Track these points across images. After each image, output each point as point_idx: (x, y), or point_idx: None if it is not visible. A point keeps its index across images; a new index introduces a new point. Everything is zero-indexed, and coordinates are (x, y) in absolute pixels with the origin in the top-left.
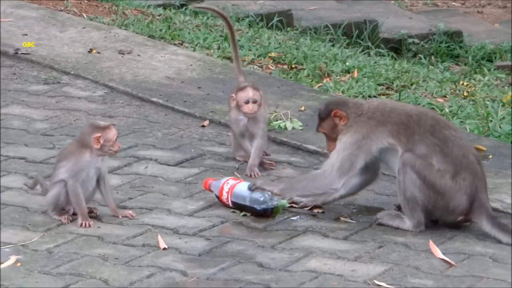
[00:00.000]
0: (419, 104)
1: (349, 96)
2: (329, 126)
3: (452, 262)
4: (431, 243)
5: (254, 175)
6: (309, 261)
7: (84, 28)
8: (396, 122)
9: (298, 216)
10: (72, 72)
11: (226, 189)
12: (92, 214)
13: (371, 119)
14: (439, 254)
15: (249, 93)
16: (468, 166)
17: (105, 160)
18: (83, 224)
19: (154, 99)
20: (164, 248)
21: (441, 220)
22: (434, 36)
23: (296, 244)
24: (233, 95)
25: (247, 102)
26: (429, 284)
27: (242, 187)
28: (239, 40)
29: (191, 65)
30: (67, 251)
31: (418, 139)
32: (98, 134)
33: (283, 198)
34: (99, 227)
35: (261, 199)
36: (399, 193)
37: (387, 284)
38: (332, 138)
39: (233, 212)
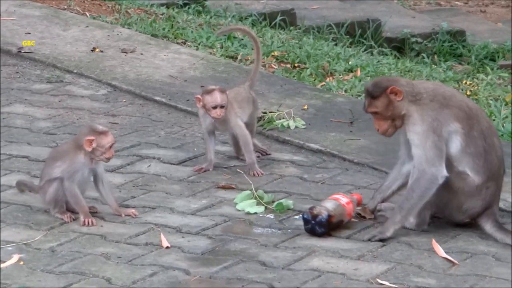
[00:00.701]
0: None
1: (352, 96)
2: (383, 104)
3: (455, 261)
4: (434, 242)
5: (257, 174)
6: (311, 260)
7: (87, 26)
8: (459, 107)
9: (301, 215)
10: (75, 71)
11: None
12: (93, 211)
13: (434, 101)
14: (442, 253)
15: (217, 99)
16: (497, 178)
17: (101, 163)
18: (86, 222)
19: (157, 98)
20: (167, 247)
21: (448, 218)
22: (437, 35)
23: (299, 243)
24: (199, 96)
25: (214, 107)
26: (432, 283)
27: None
28: (242, 39)
29: (194, 64)
30: (70, 249)
31: (474, 136)
32: (92, 138)
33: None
34: (102, 226)
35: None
36: None
37: (390, 283)
38: (384, 116)
39: (237, 211)
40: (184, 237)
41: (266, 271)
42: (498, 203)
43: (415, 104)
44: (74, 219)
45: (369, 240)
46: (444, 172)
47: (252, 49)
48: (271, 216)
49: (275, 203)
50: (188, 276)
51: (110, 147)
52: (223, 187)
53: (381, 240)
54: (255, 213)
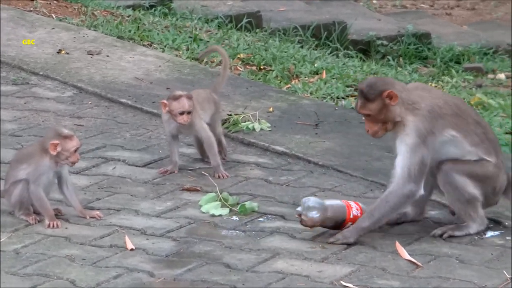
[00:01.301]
0: None
1: (317, 98)
2: (377, 107)
3: (419, 263)
4: (397, 244)
5: (222, 176)
6: (276, 262)
7: (53, 28)
8: (452, 114)
9: (265, 217)
10: (41, 73)
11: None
12: (59, 215)
13: (431, 113)
14: (406, 255)
15: (185, 105)
16: (499, 147)
17: (65, 166)
18: (51, 225)
19: (123, 100)
20: (132, 249)
21: (484, 205)
22: (402, 38)
23: (263, 245)
24: (165, 101)
25: (181, 114)
26: (396, 285)
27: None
28: (208, 41)
29: (160, 66)
30: (35, 251)
31: (471, 128)
32: (56, 142)
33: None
34: (66, 228)
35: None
36: (453, 201)
37: (354, 285)
38: (376, 119)
39: (202, 213)
40: (148, 239)
41: (230, 273)
42: None
43: (412, 114)
44: (39, 221)
45: (332, 243)
46: (421, 191)
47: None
48: (236, 218)
49: (239, 206)
50: (153, 278)
51: (75, 151)
52: (188, 189)
53: (344, 244)
54: (220, 215)
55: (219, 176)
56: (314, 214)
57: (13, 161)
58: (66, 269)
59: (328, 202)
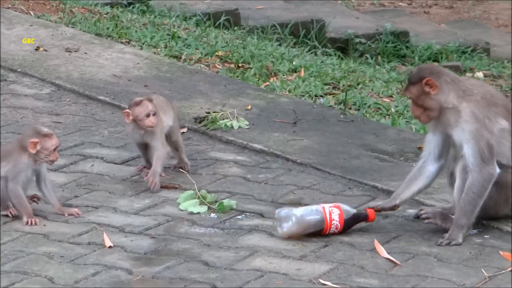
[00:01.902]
0: (365, 103)
1: (296, 96)
2: (417, 92)
3: (397, 262)
4: (376, 242)
5: (153, 185)
6: (254, 260)
7: (31, 25)
8: (503, 105)
9: (244, 215)
10: (19, 70)
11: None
12: (36, 199)
13: (484, 99)
14: (384, 254)
15: (148, 106)
16: None
17: (44, 164)
18: (29, 222)
19: (101, 97)
20: (110, 247)
21: (492, 216)
22: (380, 36)
23: (242, 243)
24: (128, 111)
25: (148, 116)
26: (374, 283)
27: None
28: (186, 39)
29: (138, 63)
30: (13, 249)
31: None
32: (36, 140)
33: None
34: (44, 225)
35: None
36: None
37: (332, 283)
38: (417, 104)
39: (180, 210)
40: (127, 236)
41: (208, 271)
42: None
43: (465, 100)
44: (17, 215)
45: (439, 244)
46: (497, 170)
47: (197, 48)
48: (214, 216)
49: (217, 203)
50: (131, 276)
51: (55, 149)
52: (166, 187)
53: (455, 245)
54: (198, 213)
55: (151, 182)
56: (289, 225)
57: None
58: (44, 267)
59: (301, 209)
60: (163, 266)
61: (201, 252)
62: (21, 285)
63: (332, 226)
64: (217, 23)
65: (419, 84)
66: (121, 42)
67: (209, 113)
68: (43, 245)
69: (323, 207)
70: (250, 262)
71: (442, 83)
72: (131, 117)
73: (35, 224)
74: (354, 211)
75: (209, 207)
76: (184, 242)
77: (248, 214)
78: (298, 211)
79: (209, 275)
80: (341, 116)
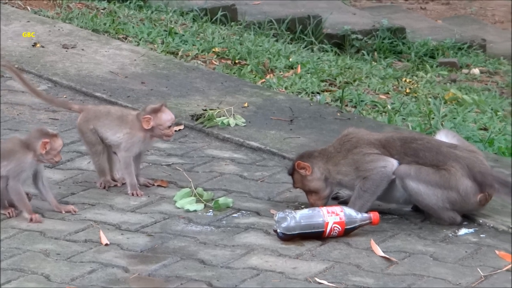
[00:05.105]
0: (362, 100)
1: (292, 93)
2: (297, 180)
3: (394, 259)
4: (372, 241)
5: (137, 195)
6: (250, 258)
7: (28, 21)
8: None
9: (240, 213)
10: (16, 66)
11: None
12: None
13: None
14: (380, 252)
15: (172, 115)
16: (446, 157)
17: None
18: (33, 219)
19: (98, 94)
20: (106, 244)
21: (469, 211)
22: (377, 32)
23: (238, 241)
24: (149, 116)
25: (170, 126)
26: (370, 282)
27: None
28: (183, 35)
29: (135, 60)
30: (9, 246)
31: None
32: (47, 140)
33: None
34: (41, 222)
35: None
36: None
37: (328, 282)
38: (308, 192)
39: (177, 208)
40: (123, 234)
41: (205, 269)
42: (482, 166)
43: (331, 164)
44: (17, 215)
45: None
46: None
47: (193, 44)
48: (210, 214)
49: (213, 201)
50: (127, 274)
51: (60, 150)
52: (161, 184)
53: None
54: (195, 210)
55: (132, 194)
56: (286, 226)
57: None
58: (40, 264)
59: (300, 212)
60: (159, 264)
61: (198, 250)
62: (17, 283)
63: (332, 232)
64: (214, 18)
65: (295, 171)
66: (118, 38)
67: (205, 110)
68: (39, 242)
69: (324, 215)
70: (247, 261)
71: (312, 162)
72: (151, 124)
73: (39, 221)
74: (357, 216)
75: (205, 205)
76: (181, 240)
77: (244, 212)
78: (297, 214)
79: (205, 273)
80: (338, 114)
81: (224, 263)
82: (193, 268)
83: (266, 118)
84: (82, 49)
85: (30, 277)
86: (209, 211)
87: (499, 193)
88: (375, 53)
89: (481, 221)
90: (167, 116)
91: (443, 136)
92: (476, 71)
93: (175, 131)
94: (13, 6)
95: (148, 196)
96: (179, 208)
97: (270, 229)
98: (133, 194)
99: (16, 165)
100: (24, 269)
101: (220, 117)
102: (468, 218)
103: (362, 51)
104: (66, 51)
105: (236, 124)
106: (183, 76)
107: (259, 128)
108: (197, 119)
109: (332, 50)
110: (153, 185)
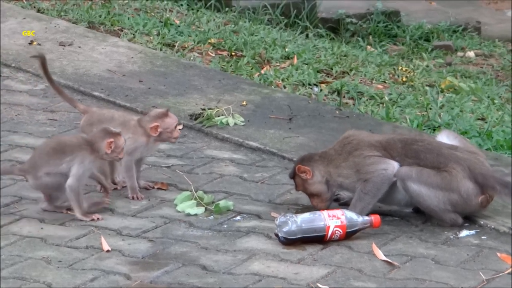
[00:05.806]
0: (359, 91)
1: (289, 85)
2: (299, 183)
3: (396, 263)
4: (373, 245)
5: (138, 198)
6: (252, 264)
7: (24, 18)
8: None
9: (241, 216)
10: (13, 65)
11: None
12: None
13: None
14: (382, 256)
15: (176, 118)
16: (447, 159)
17: None
18: (95, 218)
19: (96, 93)
20: (108, 250)
21: (470, 212)
22: (372, 16)
23: (239, 246)
24: (157, 123)
25: (176, 126)
26: (372, 286)
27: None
28: (178, 26)
29: (132, 57)
30: (10, 253)
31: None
32: (111, 140)
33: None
34: (42, 228)
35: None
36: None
37: None
38: (311, 195)
39: (177, 212)
40: (124, 239)
41: (207, 275)
42: (483, 167)
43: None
44: (99, 219)
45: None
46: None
47: (189, 35)
48: (211, 217)
49: (214, 205)
50: (129, 281)
51: (123, 148)
52: (161, 187)
53: None
54: (195, 214)
55: (133, 198)
56: (288, 230)
57: (49, 149)
58: (42, 272)
59: (301, 215)
60: (161, 271)
61: (199, 255)
62: None
63: (334, 235)
64: (208, 4)
65: (296, 175)
66: (114, 31)
67: (204, 109)
68: (41, 249)
69: (325, 218)
70: (248, 266)
71: (313, 166)
72: (159, 130)
73: (99, 219)
74: (358, 220)
75: (206, 208)
76: (182, 245)
77: (245, 215)
78: (299, 218)
79: (207, 280)
80: (337, 112)
81: (226, 269)
82: (195, 274)
83: (265, 116)
84: (79, 47)
85: (32, 285)
86: (210, 215)
87: (500, 195)
88: (370, 37)
89: (482, 222)
90: (172, 120)
91: (445, 137)
92: (471, 54)
93: None
94: (8, 3)
95: (149, 200)
96: (179, 212)
97: (271, 233)
98: (133, 198)
99: (79, 163)
100: (26, 278)
101: (218, 116)
102: (469, 219)
103: (357, 37)
104: (63, 48)
105: (235, 124)
106: (180, 74)
107: (258, 127)
108: (196, 119)
109: (327, 35)
110: (153, 188)
